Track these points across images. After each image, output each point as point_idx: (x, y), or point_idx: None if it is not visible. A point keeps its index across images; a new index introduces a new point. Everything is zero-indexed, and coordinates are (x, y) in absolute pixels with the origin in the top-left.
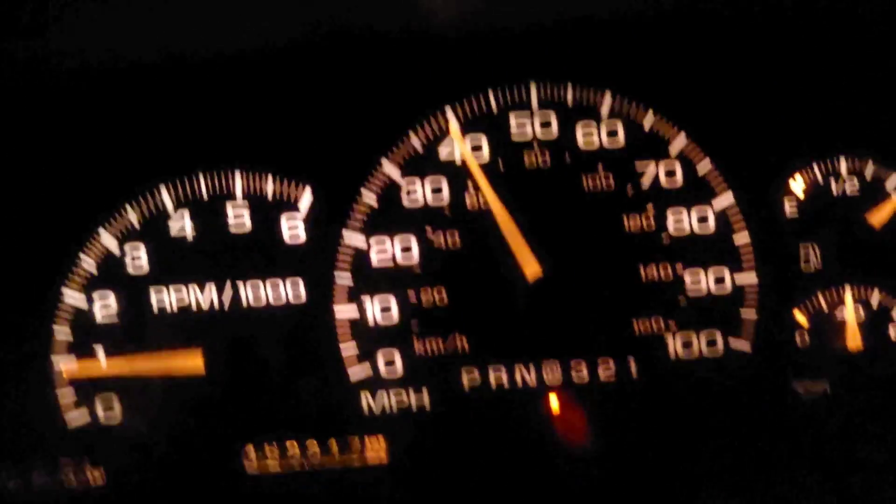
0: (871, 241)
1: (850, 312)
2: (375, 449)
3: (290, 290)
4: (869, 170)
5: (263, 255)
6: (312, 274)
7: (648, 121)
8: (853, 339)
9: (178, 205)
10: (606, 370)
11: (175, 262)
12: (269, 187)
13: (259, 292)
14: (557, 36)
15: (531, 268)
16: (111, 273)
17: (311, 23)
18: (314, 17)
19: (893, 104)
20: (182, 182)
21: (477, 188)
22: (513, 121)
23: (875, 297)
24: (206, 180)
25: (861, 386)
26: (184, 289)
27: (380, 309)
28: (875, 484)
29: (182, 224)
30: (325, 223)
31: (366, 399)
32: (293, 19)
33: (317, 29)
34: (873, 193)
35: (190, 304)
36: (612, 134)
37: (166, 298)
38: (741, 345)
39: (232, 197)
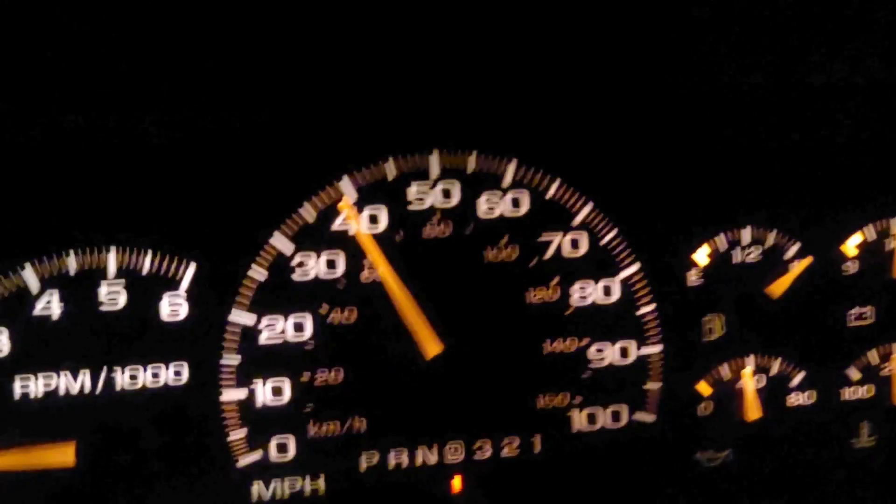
0: (771, 311)
1: (748, 383)
2: None
3: (170, 373)
4: (770, 240)
5: (142, 336)
6: (196, 355)
7: (553, 190)
8: (752, 409)
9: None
10: (511, 449)
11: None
12: (147, 264)
13: (137, 375)
14: (460, 103)
15: (429, 344)
16: None
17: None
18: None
19: (794, 174)
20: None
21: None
22: (413, 190)
23: (776, 367)
24: (77, 258)
25: (762, 453)
26: (53, 375)
27: (271, 390)
28: None
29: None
30: (209, 300)
31: (257, 488)
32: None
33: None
34: (772, 264)
35: (58, 391)
36: (516, 203)
37: (32, 386)
38: (645, 417)
39: (104, 275)
